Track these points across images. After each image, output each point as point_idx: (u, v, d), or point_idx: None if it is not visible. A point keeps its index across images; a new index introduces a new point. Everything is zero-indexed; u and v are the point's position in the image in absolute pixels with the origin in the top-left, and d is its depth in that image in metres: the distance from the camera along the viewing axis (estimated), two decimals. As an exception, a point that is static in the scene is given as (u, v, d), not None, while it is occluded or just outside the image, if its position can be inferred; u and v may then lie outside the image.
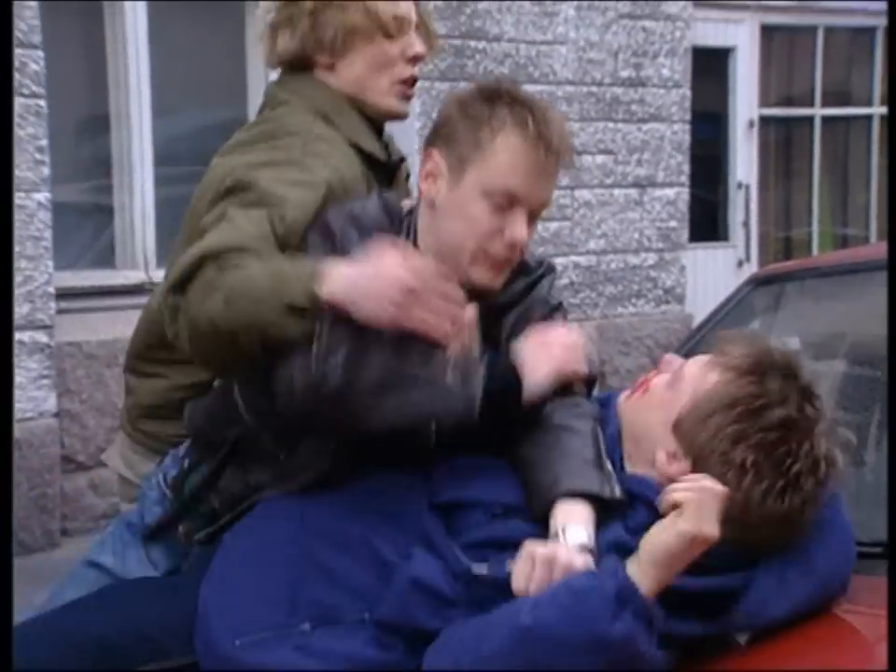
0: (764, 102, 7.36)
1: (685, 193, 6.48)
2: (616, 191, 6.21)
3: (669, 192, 6.39)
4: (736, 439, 1.50)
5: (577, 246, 6.07)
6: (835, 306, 2.25)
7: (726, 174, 7.22)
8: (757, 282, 2.42)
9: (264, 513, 1.64)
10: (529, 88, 5.73)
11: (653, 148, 6.32)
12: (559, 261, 5.99)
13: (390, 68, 1.90)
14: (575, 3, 5.99)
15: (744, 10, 7.11)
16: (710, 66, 6.95)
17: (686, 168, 6.45)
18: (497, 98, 1.64)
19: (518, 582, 1.45)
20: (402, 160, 2.03)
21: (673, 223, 6.42)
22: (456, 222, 1.63)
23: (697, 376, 1.58)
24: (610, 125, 6.15)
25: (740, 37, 7.15)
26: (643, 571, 1.40)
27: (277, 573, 1.56)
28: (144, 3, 4.77)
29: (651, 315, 6.35)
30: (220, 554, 1.62)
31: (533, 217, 1.66)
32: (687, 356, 2.42)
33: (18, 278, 4.32)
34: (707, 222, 7.06)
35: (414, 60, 1.93)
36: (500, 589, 1.46)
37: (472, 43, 5.65)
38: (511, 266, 1.68)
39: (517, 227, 1.62)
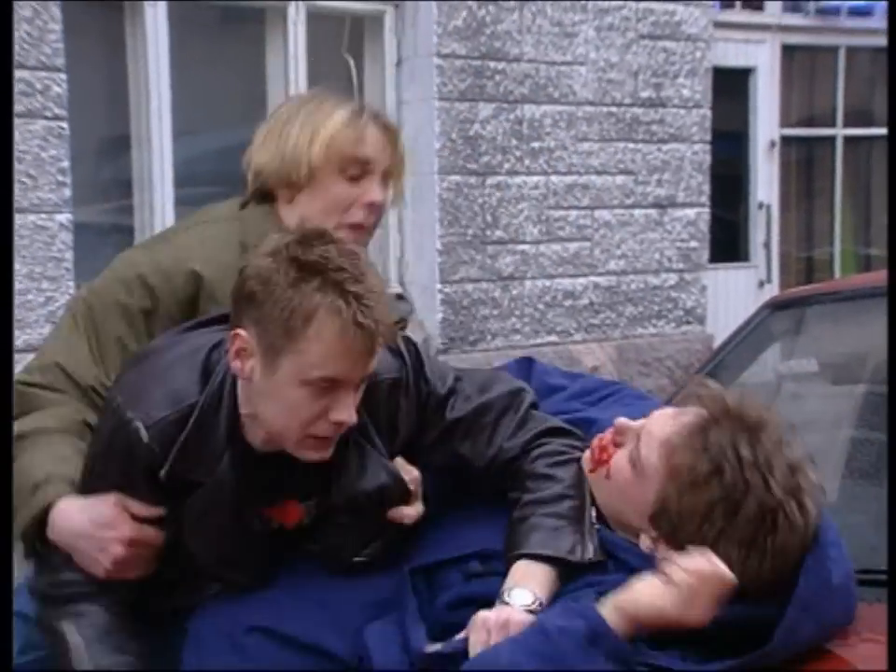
0: (786, 122, 7.35)
1: (706, 213, 6.45)
2: (636, 212, 6.20)
3: (690, 213, 6.37)
4: (717, 538, 1.47)
5: (596, 267, 6.06)
6: (854, 330, 2.23)
7: (747, 194, 7.20)
8: (775, 306, 2.41)
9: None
10: (549, 108, 5.81)
11: (674, 169, 6.31)
12: (579, 282, 5.99)
13: (342, 211, 1.88)
14: (595, 23, 6.00)
15: (765, 31, 7.11)
16: (731, 86, 6.94)
17: (707, 188, 6.43)
18: (304, 280, 1.51)
19: (476, 652, 1.44)
20: None
21: (694, 243, 6.40)
22: (276, 408, 1.54)
23: (658, 461, 1.52)
24: (630, 145, 6.15)
25: (761, 57, 7.14)
26: (619, 615, 1.37)
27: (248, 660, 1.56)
28: (165, 25, 4.81)
29: (671, 335, 6.32)
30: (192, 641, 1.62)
31: (356, 390, 1.57)
32: (708, 378, 2.42)
33: (39, 298, 4.34)
34: (728, 243, 7.03)
35: (371, 207, 1.91)
36: (458, 662, 1.44)
37: (492, 64, 5.66)
38: (342, 432, 1.58)
39: (342, 407, 1.53)
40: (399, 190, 2.00)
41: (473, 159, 5.61)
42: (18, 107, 4.29)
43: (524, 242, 5.79)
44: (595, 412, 1.70)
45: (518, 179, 5.76)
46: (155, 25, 4.79)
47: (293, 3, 5.23)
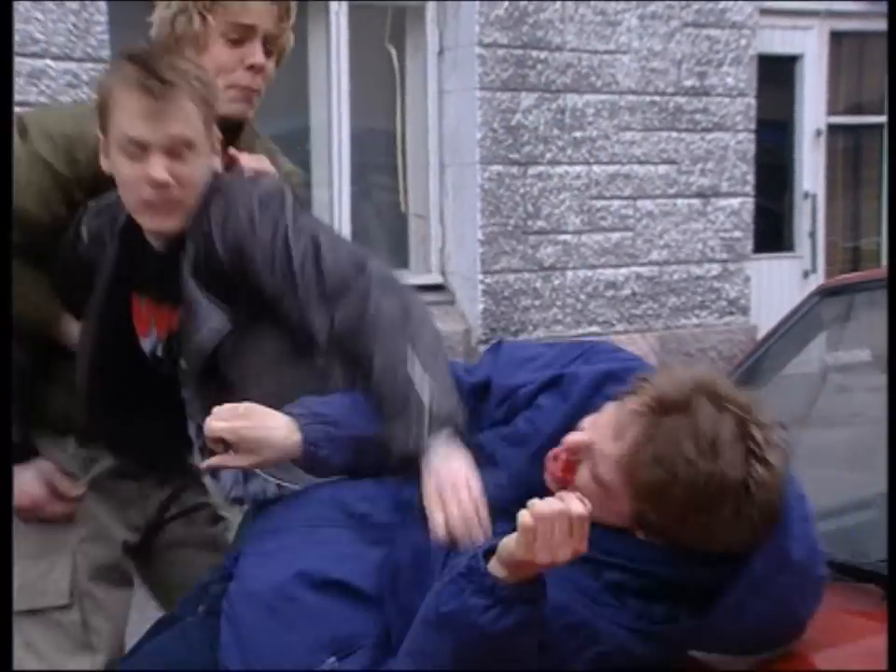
0: (833, 110, 7.25)
1: (750, 203, 6.39)
2: (679, 201, 6.15)
3: (734, 202, 6.31)
4: (706, 527, 1.49)
5: (639, 257, 6.02)
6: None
7: (792, 183, 7.12)
8: (824, 293, 2.37)
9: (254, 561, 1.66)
10: (591, 97, 5.77)
11: (717, 158, 6.25)
12: (621, 272, 5.95)
13: (227, 74, 1.97)
14: (638, 12, 5.95)
15: (813, 17, 7.01)
16: (777, 74, 6.86)
17: (751, 178, 6.37)
18: (116, 67, 1.76)
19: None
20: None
21: (737, 233, 6.34)
22: (120, 185, 1.76)
23: (620, 482, 1.52)
24: (674, 135, 6.10)
25: (808, 44, 7.04)
26: (495, 559, 1.42)
27: (285, 619, 1.57)
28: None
29: (714, 326, 6.27)
30: (225, 620, 1.63)
31: (177, 154, 1.73)
32: (751, 369, 2.39)
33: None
34: (772, 232, 6.96)
35: (252, 68, 1.99)
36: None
37: (534, 53, 5.63)
38: (168, 196, 1.75)
39: (155, 168, 1.71)
40: (281, 56, 2.09)
41: (515, 149, 5.59)
42: (64, 98, 4.32)
43: (565, 232, 5.77)
44: (575, 367, 1.69)
45: (560, 169, 5.74)
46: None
47: (335, -7, 5.25)
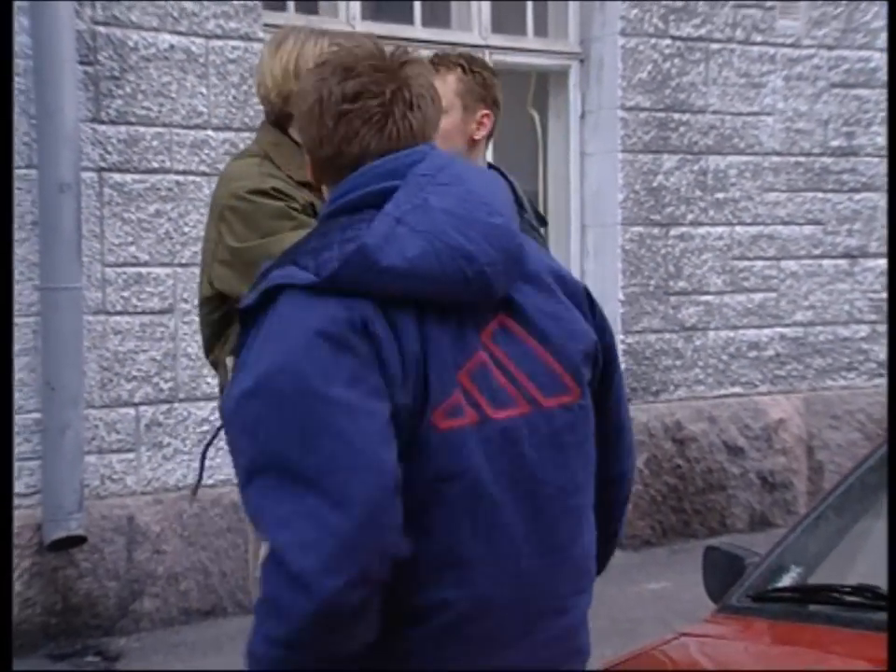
0: None
1: (900, 264, 6.26)
2: (825, 262, 6.07)
3: (882, 263, 6.19)
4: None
5: (783, 318, 5.96)
6: None
7: (945, 243, 6.94)
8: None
9: None
10: (734, 159, 5.79)
11: (866, 218, 6.16)
12: (764, 333, 5.89)
13: None
14: (784, 73, 5.95)
15: (965, 75, 6.86)
16: (928, 133, 6.73)
17: (901, 238, 6.24)
18: None
19: None
20: None
21: (886, 294, 6.21)
22: None
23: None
24: (819, 195, 6.04)
25: (961, 103, 6.89)
26: None
27: None
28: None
29: (862, 388, 6.13)
30: None
31: None
32: None
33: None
34: (924, 294, 6.79)
35: None
36: None
37: (676, 115, 5.68)
38: None
39: None
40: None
41: (656, 210, 5.63)
42: (222, 166, 4.56)
43: (707, 292, 5.75)
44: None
45: (702, 230, 5.74)
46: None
47: (481, 61, 5.41)
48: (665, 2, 5.60)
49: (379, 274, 1.43)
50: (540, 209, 5.78)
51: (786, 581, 2.31)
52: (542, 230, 2.92)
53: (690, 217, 5.71)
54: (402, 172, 1.50)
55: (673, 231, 5.67)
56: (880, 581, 2.06)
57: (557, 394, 1.53)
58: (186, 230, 4.54)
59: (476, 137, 2.76)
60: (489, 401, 1.47)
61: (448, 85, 2.70)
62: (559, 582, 1.53)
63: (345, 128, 1.52)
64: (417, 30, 5.21)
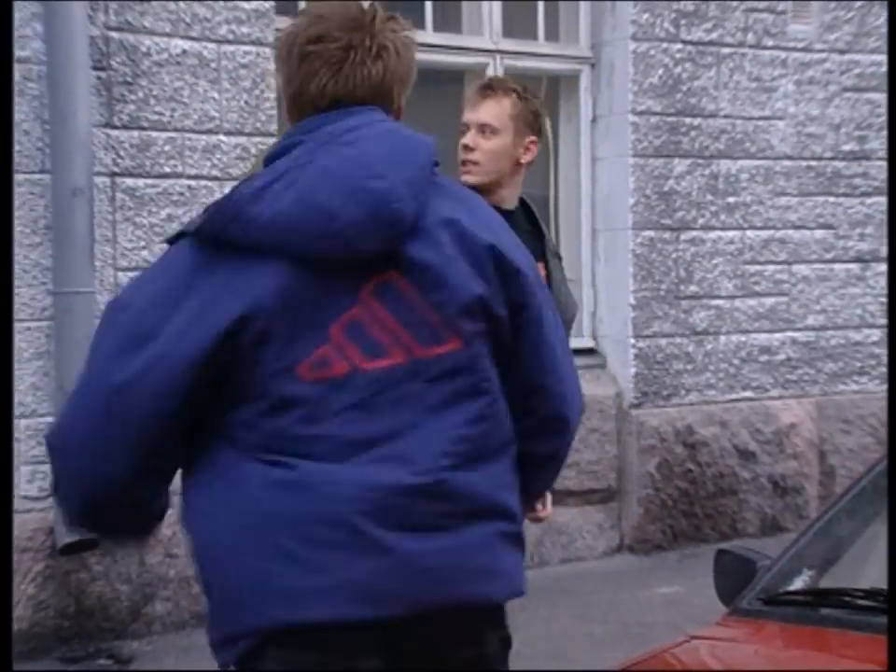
0: None
1: (913, 268, 6.25)
2: (836, 266, 6.06)
3: None
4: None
5: (794, 322, 5.95)
6: None
7: (958, 247, 6.92)
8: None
9: None
10: (745, 163, 5.78)
11: (877, 223, 6.14)
12: (775, 337, 5.89)
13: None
14: (795, 77, 5.94)
15: (977, 79, 6.84)
16: (941, 137, 6.71)
17: (913, 242, 6.23)
18: None
19: None
20: None
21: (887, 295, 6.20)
22: None
23: None
24: (831, 199, 6.03)
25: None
26: None
27: None
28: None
29: (874, 393, 6.12)
30: None
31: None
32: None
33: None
34: (936, 298, 6.77)
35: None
36: None
37: (687, 120, 5.68)
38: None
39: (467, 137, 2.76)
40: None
41: (668, 214, 5.63)
42: (235, 171, 4.58)
43: (718, 297, 5.75)
44: None
45: (713, 234, 5.74)
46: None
47: (492, 63, 5.42)
48: (676, 6, 5.60)
49: (243, 225, 1.53)
50: (551, 213, 5.80)
51: (797, 584, 2.32)
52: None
53: (701, 221, 5.71)
54: (315, 129, 1.61)
55: (684, 236, 5.67)
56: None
57: (433, 344, 1.60)
58: (198, 234, 4.55)
59: (522, 161, 2.83)
60: (363, 353, 1.57)
61: (503, 108, 2.80)
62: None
63: (307, 67, 1.64)
64: (428, 34, 5.22)
